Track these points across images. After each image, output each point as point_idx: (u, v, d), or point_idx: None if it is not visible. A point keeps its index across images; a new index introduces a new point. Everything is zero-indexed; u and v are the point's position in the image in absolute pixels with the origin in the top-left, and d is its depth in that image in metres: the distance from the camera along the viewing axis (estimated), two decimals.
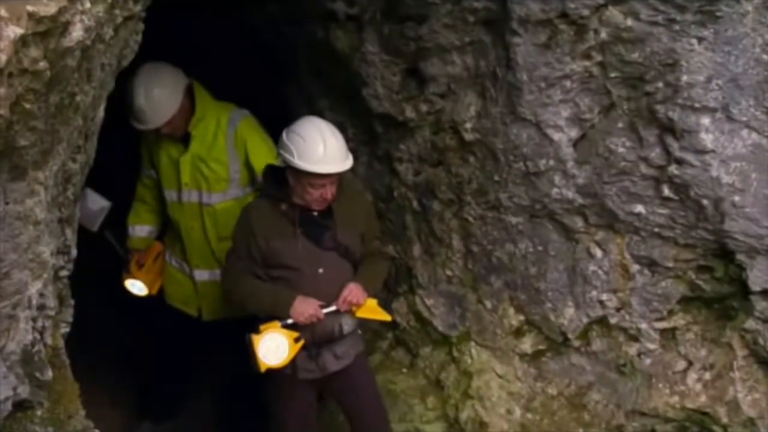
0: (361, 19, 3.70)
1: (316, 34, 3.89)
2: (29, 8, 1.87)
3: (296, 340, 3.28)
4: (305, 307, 3.26)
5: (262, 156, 3.79)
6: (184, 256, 4.00)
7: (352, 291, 3.32)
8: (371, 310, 3.42)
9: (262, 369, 3.27)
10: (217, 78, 4.02)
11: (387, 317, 3.56)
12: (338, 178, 3.26)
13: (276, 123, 4.00)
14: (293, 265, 3.31)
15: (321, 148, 3.17)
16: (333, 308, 3.31)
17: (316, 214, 3.32)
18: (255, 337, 3.24)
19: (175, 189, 3.90)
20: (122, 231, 4.13)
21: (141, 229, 4.13)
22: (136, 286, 4.12)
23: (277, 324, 3.26)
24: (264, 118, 3.95)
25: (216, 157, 3.81)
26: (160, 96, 3.69)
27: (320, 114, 4.16)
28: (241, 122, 3.83)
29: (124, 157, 4.18)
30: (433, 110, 3.73)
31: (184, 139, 3.85)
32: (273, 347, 3.25)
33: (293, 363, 3.32)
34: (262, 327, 3.26)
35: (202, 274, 3.98)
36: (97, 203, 3.88)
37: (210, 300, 3.99)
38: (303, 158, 3.18)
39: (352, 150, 3.40)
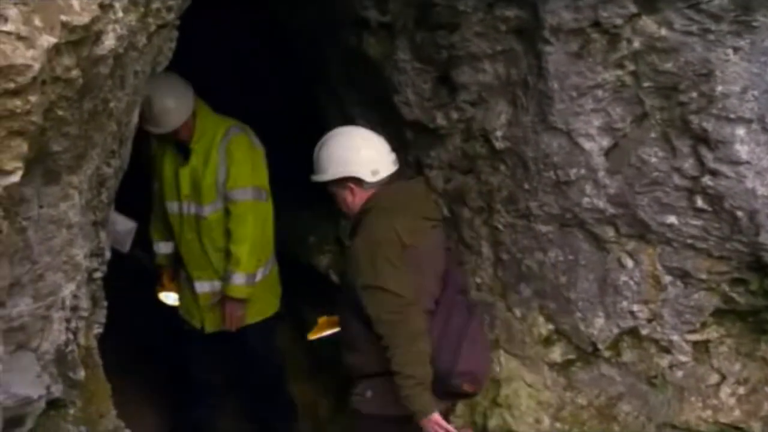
0: (394, 26, 3.72)
1: (349, 41, 3.92)
2: (63, 18, 1.92)
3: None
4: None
5: (239, 173, 3.87)
6: (186, 267, 4.03)
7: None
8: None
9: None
10: (252, 83, 4.07)
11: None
12: (336, 195, 3.16)
13: (310, 130, 4.04)
14: None
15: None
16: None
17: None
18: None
19: (176, 200, 3.96)
20: (149, 246, 4.18)
21: (165, 245, 4.16)
22: (171, 298, 4.20)
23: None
24: (298, 125, 3.99)
25: (210, 171, 3.87)
26: (177, 99, 3.78)
27: (352, 121, 4.19)
28: (233, 138, 3.89)
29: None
30: (463, 118, 3.72)
31: (185, 152, 3.92)
32: None
33: None
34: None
35: (202, 286, 3.99)
36: (125, 225, 3.94)
37: (210, 312, 4.01)
38: None
39: None
